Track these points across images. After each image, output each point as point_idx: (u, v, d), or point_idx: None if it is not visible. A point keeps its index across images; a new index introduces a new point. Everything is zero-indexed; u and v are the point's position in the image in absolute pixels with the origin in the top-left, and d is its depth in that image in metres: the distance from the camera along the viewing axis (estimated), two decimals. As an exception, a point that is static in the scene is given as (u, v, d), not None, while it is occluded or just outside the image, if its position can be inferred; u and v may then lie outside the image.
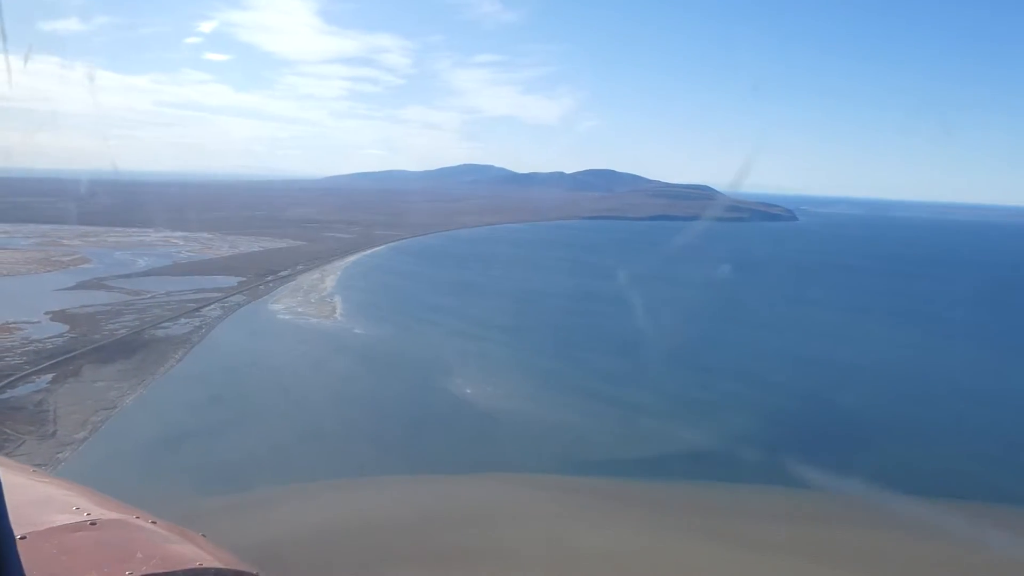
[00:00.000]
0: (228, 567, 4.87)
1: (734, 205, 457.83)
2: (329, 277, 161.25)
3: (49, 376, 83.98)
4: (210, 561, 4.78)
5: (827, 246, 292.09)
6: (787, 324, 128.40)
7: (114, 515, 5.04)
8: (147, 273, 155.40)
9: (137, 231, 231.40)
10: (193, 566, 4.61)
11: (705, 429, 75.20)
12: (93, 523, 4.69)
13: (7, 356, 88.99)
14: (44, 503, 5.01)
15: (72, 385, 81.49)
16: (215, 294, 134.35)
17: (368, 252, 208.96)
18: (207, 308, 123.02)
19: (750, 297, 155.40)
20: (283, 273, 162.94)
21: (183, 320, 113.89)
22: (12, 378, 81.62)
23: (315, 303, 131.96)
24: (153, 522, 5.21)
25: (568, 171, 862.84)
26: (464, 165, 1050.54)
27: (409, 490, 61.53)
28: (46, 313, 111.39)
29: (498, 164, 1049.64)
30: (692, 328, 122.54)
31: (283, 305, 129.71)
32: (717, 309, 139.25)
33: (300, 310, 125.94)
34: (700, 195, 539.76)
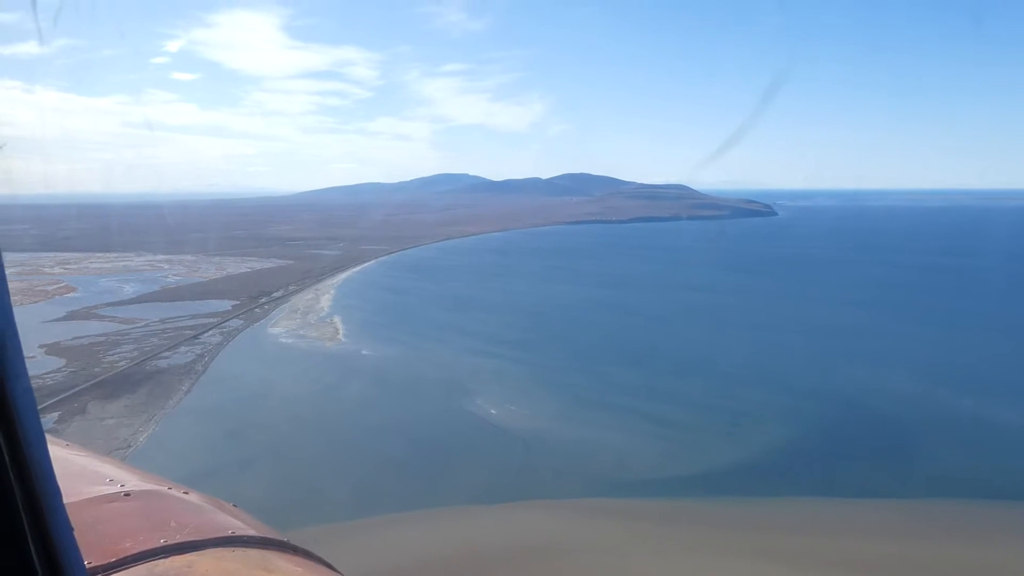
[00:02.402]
0: (260, 534, 4.87)
1: (715, 203, 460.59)
2: (324, 296, 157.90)
3: (54, 415, 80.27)
4: (243, 529, 4.80)
5: (815, 240, 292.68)
6: (803, 324, 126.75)
7: (147, 486, 5.07)
8: (137, 300, 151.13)
9: (118, 256, 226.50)
10: (226, 534, 4.64)
11: (745, 440, 73.53)
12: (127, 494, 4.74)
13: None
14: (78, 475, 5.09)
15: (80, 424, 77.93)
16: (211, 319, 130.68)
17: (358, 268, 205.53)
18: (206, 335, 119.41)
19: (759, 298, 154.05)
20: (276, 294, 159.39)
21: (183, 348, 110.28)
22: (15, 420, 77.75)
23: (315, 325, 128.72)
24: (185, 492, 5.25)
25: (544, 176, 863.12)
26: (438, 175, 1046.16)
27: (453, 523, 58.98)
28: (40, 347, 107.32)
29: (472, 172, 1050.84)
30: (706, 333, 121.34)
31: (283, 328, 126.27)
32: (726, 312, 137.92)
33: (301, 333, 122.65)
34: (679, 194, 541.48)
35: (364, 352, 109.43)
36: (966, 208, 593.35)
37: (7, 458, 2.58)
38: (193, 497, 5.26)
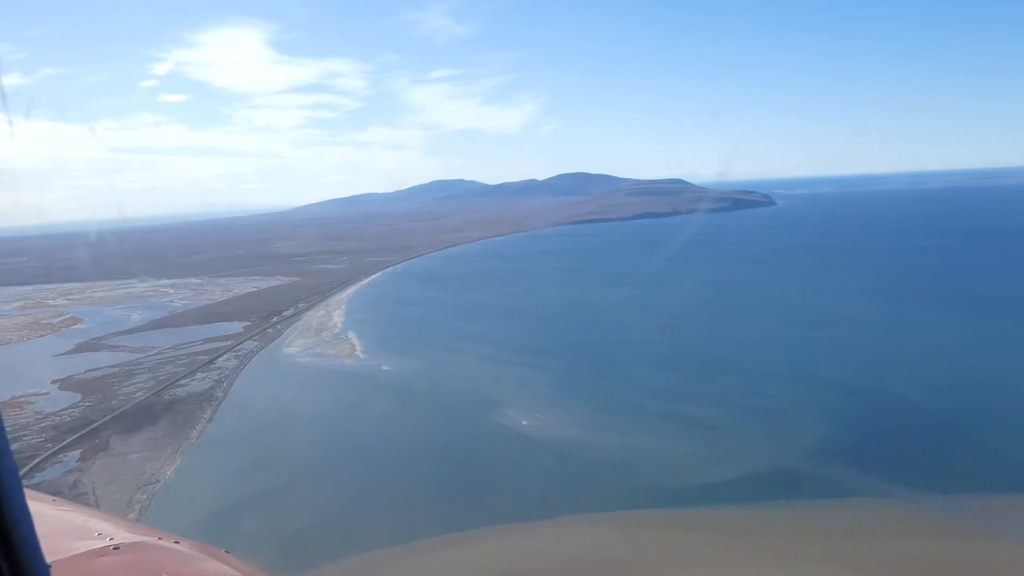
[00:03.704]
0: None
1: (713, 196, 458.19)
2: (335, 312, 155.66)
3: (76, 453, 78.19)
4: None
5: (819, 228, 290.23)
6: (825, 317, 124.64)
7: (137, 538, 5.06)
8: (146, 327, 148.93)
9: (121, 283, 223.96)
10: None
11: (786, 441, 71.36)
12: (116, 547, 4.74)
13: (25, 435, 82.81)
14: (67, 531, 5.05)
15: (104, 461, 75.71)
16: (224, 342, 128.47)
17: (366, 281, 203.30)
18: (221, 359, 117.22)
19: (776, 291, 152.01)
20: (287, 313, 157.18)
21: (200, 375, 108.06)
22: (38, 459, 75.67)
23: (330, 342, 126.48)
24: (176, 542, 5.19)
25: (540, 178, 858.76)
26: (435, 182, 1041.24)
27: (500, 543, 56.72)
28: (53, 382, 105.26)
29: (468, 177, 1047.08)
30: (729, 330, 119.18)
31: (298, 347, 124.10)
32: (746, 307, 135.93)
33: (318, 351, 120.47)
34: (677, 189, 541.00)
35: (384, 367, 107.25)
36: (968, 188, 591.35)
37: None
38: (184, 547, 5.18)
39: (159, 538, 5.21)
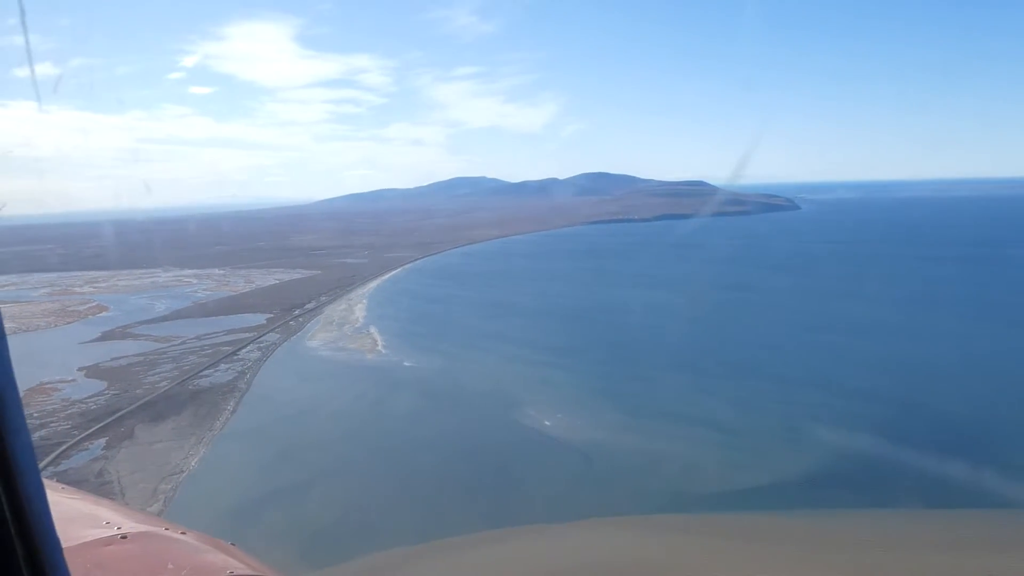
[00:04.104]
0: (258, 574, 4.89)
1: (736, 199, 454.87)
2: (357, 306, 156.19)
3: (102, 441, 78.83)
4: (241, 569, 4.81)
5: (845, 234, 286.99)
6: (850, 323, 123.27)
7: (144, 528, 5.09)
8: (170, 317, 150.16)
9: (146, 272, 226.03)
10: (223, 575, 4.65)
11: (810, 448, 70.67)
12: (124, 536, 4.76)
13: (52, 421, 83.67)
14: (74, 518, 5.06)
15: (129, 449, 76.32)
16: (247, 334, 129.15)
17: (387, 276, 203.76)
18: (244, 350, 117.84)
19: (801, 296, 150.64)
20: (308, 306, 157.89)
21: (223, 366, 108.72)
22: (64, 447, 76.36)
23: (352, 336, 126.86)
24: (183, 532, 5.22)
25: (561, 177, 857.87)
26: (455, 179, 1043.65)
27: (523, 544, 56.64)
28: (79, 369, 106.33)
29: (489, 175, 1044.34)
30: (753, 335, 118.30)
31: (320, 341, 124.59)
32: (769, 312, 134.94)
33: (340, 345, 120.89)
34: (699, 191, 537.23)
35: (406, 363, 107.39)
36: (993, 197, 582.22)
37: (8, 514, 2.66)
38: (190, 537, 5.22)
39: (166, 528, 5.24)
